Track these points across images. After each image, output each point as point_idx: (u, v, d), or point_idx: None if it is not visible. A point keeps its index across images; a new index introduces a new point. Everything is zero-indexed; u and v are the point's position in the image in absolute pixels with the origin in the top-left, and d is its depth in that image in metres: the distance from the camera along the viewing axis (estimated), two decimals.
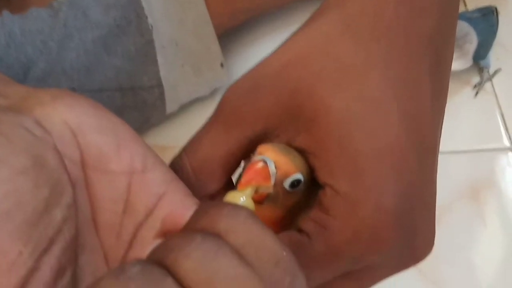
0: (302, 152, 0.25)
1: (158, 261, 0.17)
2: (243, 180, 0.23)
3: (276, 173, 0.24)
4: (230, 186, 0.27)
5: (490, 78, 0.53)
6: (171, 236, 0.18)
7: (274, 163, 0.24)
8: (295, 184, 0.24)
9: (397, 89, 0.24)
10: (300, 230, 0.24)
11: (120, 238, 0.22)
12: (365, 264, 0.24)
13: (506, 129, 0.51)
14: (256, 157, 0.24)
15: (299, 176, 0.24)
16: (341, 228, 0.23)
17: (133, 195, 0.22)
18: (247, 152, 0.26)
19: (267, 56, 0.25)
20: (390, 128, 0.23)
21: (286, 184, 0.24)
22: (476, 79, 0.53)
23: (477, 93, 0.52)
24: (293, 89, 0.24)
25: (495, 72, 0.53)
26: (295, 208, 0.25)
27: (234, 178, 0.27)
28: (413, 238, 0.24)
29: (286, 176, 0.24)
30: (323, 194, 0.24)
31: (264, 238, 0.18)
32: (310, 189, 0.25)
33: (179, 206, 0.22)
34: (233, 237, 0.17)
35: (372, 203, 0.23)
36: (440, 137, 0.27)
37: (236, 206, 0.19)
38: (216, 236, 0.17)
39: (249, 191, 0.23)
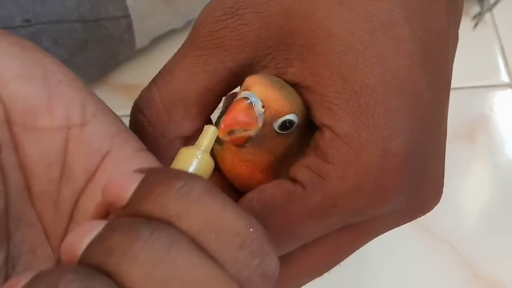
0: (295, 87, 0.21)
1: (99, 267, 0.14)
2: (223, 122, 0.20)
3: (265, 112, 0.20)
4: None
5: (490, 8, 0.50)
6: (112, 227, 0.15)
7: (262, 100, 0.20)
8: (286, 125, 0.21)
9: (410, 9, 0.21)
10: (293, 179, 0.21)
11: (59, 209, 0.19)
12: (367, 217, 0.22)
13: (506, 63, 0.49)
14: (240, 93, 0.20)
15: (292, 116, 0.21)
16: (341, 177, 0.20)
17: (71, 155, 0.19)
18: (229, 87, 0.22)
19: None
20: (401, 56, 0.20)
21: (276, 125, 0.21)
22: (475, 9, 0.50)
23: (476, 24, 0.50)
24: (286, 9, 0.21)
25: (497, 1, 0.51)
26: (286, 154, 0.22)
27: (214, 119, 0.24)
28: (422, 186, 0.22)
29: (277, 116, 0.21)
30: (320, 137, 0.21)
31: (225, 217, 0.15)
32: (307, 132, 0.21)
33: (124, 170, 0.19)
34: (187, 223, 0.15)
35: (379, 146, 0.20)
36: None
37: (188, 180, 0.16)
38: (167, 225, 0.15)
39: (208, 141, 0.19)
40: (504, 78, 0.48)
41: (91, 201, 0.19)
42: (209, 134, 0.19)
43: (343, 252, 0.23)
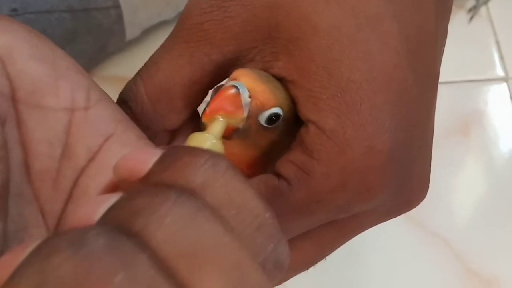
0: (281, 81, 0.21)
1: (123, 227, 0.13)
2: (209, 108, 0.20)
3: (251, 103, 0.20)
4: (194, 120, 0.23)
5: (486, 2, 0.50)
6: (134, 192, 0.14)
7: (249, 91, 0.20)
8: (272, 119, 0.21)
9: (398, 5, 0.21)
10: (278, 175, 0.21)
11: (57, 187, 0.19)
12: (351, 213, 0.21)
13: (501, 57, 0.48)
14: (228, 83, 0.20)
15: (277, 110, 0.20)
16: (325, 173, 0.20)
17: (73, 136, 0.19)
18: (214, 80, 0.22)
19: None
20: (388, 52, 0.20)
21: (262, 118, 0.21)
22: (471, 2, 0.50)
23: (471, 18, 0.49)
24: (272, 2, 0.20)
25: None
26: (272, 150, 0.21)
27: (201, 111, 0.23)
28: (407, 183, 0.22)
29: (263, 108, 0.20)
30: (305, 132, 0.20)
31: (246, 196, 0.15)
32: (292, 128, 0.21)
33: (134, 149, 0.18)
34: (210, 194, 0.15)
35: (364, 143, 0.20)
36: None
37: (214, 155, 0.15)
38: (192, 193, 0.14)
39: (218, 129, 0.20)
40: (499, 72, 0.48)
41: (92, 179, 0.19)
42: (219, 123, 0.20)
43: (328, 247, 0.23)
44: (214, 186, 0.15)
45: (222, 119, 0.20)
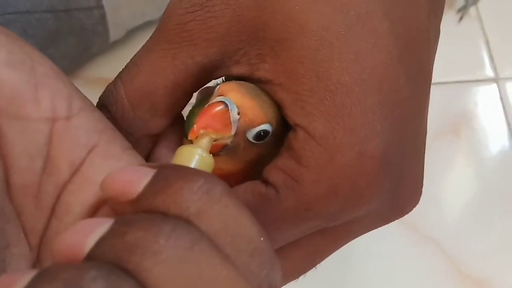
0: (268, 84, 0.20)
1: (117, 264, 0.13)
2: (196, 125, 0.19)
3: (239, 120, 0.19)
4: (178, 125, 0.22)
5: (475, 2, 0.50)
6: (126, 222, 0.14)
7: (237, 107, 0.19)
8: (261, 135, 0.20)
9: (389, 2, 0.20)
10: (266, 181, 0.20)
11: (39, 203, 0.18)
12: (343, 221, 0.21)
13: (491, 58, 0.48)
14: (215, 98, 0.20)
15: (266, 126, 0.20)
16: (315, 180, 0.19)
17: (55, 148, 0.18)
18: (199, 83, 0.21)
19: None
20: (379, 53, 0.19)
21: (250, 135, 0.20)
22: (460, 2, 0.50)
23: (461, 18, 0.49)
24: (257, 1, 0.20)
25: None
26: (262, 162, 0.21)
27: (186, 116, 0.23)
28: (399, 188, 0.21)
29: (251, 125, 0.20)
30: (294, 138, 0.20)
31: (241, 221, 0.15)
32: (281, 135, 0.21)
33: (113, 166, 0.18)
34: (206, 223, 0.14)
35: (355, 148, 0.19)
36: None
37: (208, 179, 0.15)
38: (187, 222, 0.14)
39: (206, 142, 0.19)
40: (489, 72, 0.47)
41: (75, 196, 0.18)
42: (207, 136, 0.19)
43: (318, 256, 0.23)
44: (210, 214, 0.14)
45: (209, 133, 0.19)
